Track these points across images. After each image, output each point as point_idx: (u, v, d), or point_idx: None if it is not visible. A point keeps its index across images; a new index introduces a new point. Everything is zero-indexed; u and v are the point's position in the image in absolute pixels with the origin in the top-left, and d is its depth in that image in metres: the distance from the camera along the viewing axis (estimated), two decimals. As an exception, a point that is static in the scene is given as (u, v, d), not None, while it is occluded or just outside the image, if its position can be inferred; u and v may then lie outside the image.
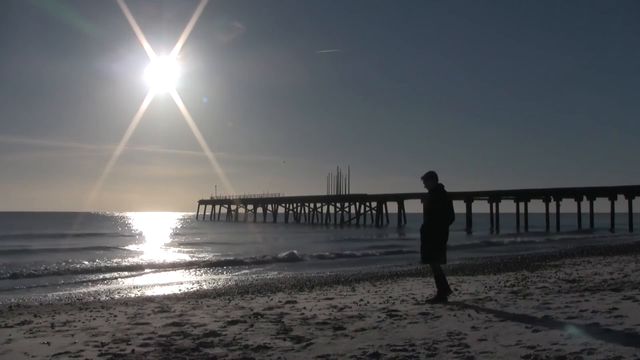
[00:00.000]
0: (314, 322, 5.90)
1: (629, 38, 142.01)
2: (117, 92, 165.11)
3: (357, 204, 73.72)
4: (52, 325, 6.33)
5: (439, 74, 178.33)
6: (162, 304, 8.37)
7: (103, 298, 10.45)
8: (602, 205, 56.22)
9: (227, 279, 14.15)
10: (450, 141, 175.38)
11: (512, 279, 9.87)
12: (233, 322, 6.07)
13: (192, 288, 11.95)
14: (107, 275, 15.62)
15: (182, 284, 13.12)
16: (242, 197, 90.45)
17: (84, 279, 14.69)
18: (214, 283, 13.00)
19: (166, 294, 10.85)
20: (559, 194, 51.81)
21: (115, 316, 7.00)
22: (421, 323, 5.62)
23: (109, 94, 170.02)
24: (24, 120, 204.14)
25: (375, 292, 8.89)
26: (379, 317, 6.12)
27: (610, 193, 48.60)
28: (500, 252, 23.11)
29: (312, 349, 4.63)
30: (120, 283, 13.95)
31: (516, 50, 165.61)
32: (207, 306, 7.73)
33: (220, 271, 16.73)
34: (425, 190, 7.56)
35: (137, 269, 17.34)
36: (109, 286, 13.05)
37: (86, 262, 18.46)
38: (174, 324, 6.06)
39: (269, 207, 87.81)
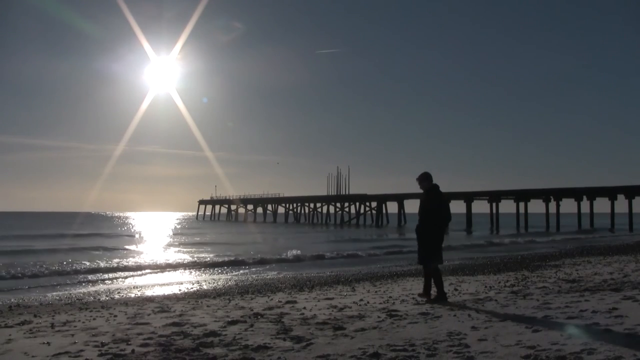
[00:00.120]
0: (314, 322, 5.90)
1: (629, 38, 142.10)
2: (117, 92, 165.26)
3: (357, 204, 73.71)
4: (52, 325, 6.33)
5: (439, 74, 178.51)
6: (162, 304, 8.37)
7: (103, 298, 10.45)
8: (602, 205, 56.33)
9: (227, 279, 14.15)
10: (450, 141, 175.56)
11: (512, 279, 9.87)
12: (233, 322, 6.07)
13: (192, 288, 11.95)
14: (107, 275, 15.62)
15: (182, 284, 13.12)
16: (242, 197, 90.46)
17: (84, 279, 14.68)
18: (214, 283, 13.00)
19: (166, 294, 10.85)
20: (559, 194, 51.80)
21: (115, 316, 7.00)
22: (421, 323, 5.62)
23: (109, 94, 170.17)
24: (24, 120, 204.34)
25: (375, 292, 8.89)
26: (379, 317, 6.12)
27: (610, 193, 48.60)
28: (500, 252, 23.11)
29: (312, 349, 4.63)
30: (120, 283, 13.95)
31: (516, 50, 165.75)
32: (207, 306, 7.73)
33: (220, 271, 16.73)
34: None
35: (137, 269, 17.34)
36: (109, 286, 13.04)
37: (86, 262, 18.45)
38: (174, 324, 6.06)
39: (269, 207, 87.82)
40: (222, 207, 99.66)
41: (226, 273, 16.11)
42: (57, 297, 10.81)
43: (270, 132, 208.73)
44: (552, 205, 51.69)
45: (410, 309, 6.64)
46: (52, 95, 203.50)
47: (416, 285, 9.54)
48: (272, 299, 8.40)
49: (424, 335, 4.97)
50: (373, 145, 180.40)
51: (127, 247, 28.59)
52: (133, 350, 4.74)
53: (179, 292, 11.05)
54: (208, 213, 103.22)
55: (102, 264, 18.10)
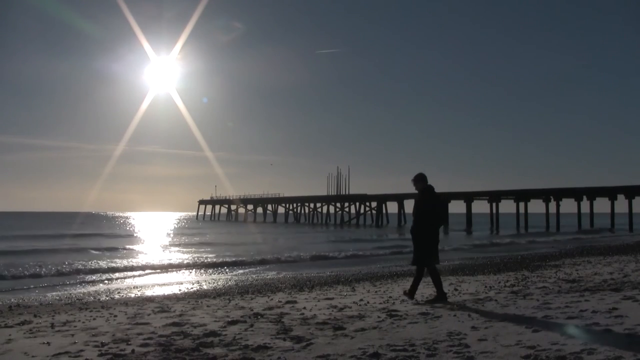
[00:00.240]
0: (314, 322, 5.90)
1: (629, 38, 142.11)
2: (117, 92, 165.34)
3: (357, 204, 73.72)
4: (52, 325, 6.33)
5: (439, 74, 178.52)
6: (162, 304, 8.37)
7: (103, 298, 10.45)
8: (602, 205, 56.31)
9: (227, 279, 14.16)
10: (450, 141, 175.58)
11: (512, 279, 9.87)
12: (233, 322, 6.07)
13: (192, 288, 11.95)
14: (107, 275, 15.62)
15: (182, 284, 13.12)
16: (242, 197, 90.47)
17: (84, 279, 14.68)
18: (214, 283, 13.00)
19: (166, 294, 10.85)
20: (559, 194, 51.80)
21: (115, 316, 7.00)
22: (421, 323, 5.62)
23: (109, 94, 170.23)
24: (24, 120, 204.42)
25: (375, 292, 8.89)
26: (379, 317, 6.11)
27: (610, 193, 48.59)
28: (500, 252, 23.11)
29: (312, 349, 4.63)
30: (120, 283, 13.95)
31: (516, 50, 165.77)
32: (207, 306, 7.73)
33: (220, 271, 16.73)
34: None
35: (137, 269, 17.34)
36: (109, 286, 13.05)
37: (86, 262, 18.46)
38: (174, 324, 6.06)
39: (269, 207, 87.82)
40: (222, 207, 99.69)
41: (226, 273, 16.11)
42: (57, 297, 10.81)
43: (270, 132, 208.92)
44: (552, 205, 51.71)
45: (410, 309, 6.64)
46: (52, 95, 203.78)
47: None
48: (272, 299, 8.40)
49: (424, 335, 4.97)
50: (373, 145, 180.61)
51: (127, 247, 28.59)
52: (133, 350, 4.74)
53: (179, 292, 11.05)
54: (208, 213, 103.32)
55: (102, 264, 18.10)
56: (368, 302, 7.42)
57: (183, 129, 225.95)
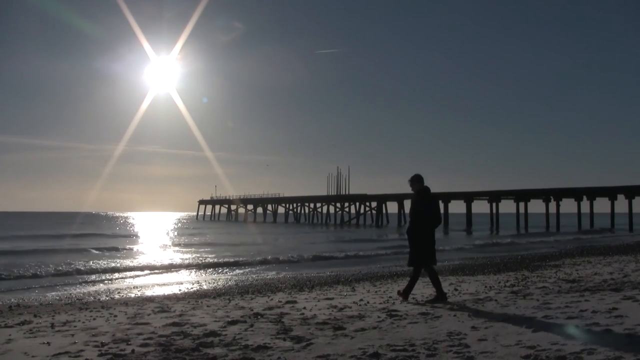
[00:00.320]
0: (314, 322, 5.90)
1: (629, 37, 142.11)
2: (117, 92, 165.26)
3: (357, 204, 73.72)
4: (52, 325, 6.33)
5: (439, 74, 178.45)
6: (162, 304, 8.37)
7: (103, 298, 10.45)
8: (602, 205, 56.32)
9: (227, 279, 14.16)
10: (450, 141, 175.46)
11: (512, 279, 9.87)
12: (233, 322, 6.07)
13: (192, 288, 11.95)
14: (107, 275, 15.62)
15: (182, 284, 13.12)
16: (242, 197, 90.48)
17: (84, 279, 14.68)
18: (214, 283, 13.00)
19: (166, 294, 10.85)
20: (559, 194, 51.81)
21: (115, 316, 7.00)
22: (421, 323, 5.62)
23: (109, 94, 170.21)
24: (24, 120, 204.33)
25: (375, 292, 8.89)
26: (379, 317, 6.11)
27: (610, 193, 48.59)
28: (500, 252, 23.11)
29: (312, 349, 4.63)
30: (120, 283, 13.95)
31: (516, 50, 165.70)
32: (207, 306, 7.73)
33: (220, 271, 16.73)
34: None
35: (137, 269, 17.34)
36: (109, 286, 13.04)
37: (86, 262, 18.46)
38: (174, 324, 6.06)
39: (269, 207, 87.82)
40: (222, 207, 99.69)
41: (226, 273, 16.11)
42: (57, 297, 10.81)
43: (270, 132, 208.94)
44: (552, 205, 51.74)
45: (410, 309, 6.64)
46: (52, 95, 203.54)
47: (416, 285, 9.52)
48: (272, 299, 8.40)
49: (424, 335, 4.97)
50: (373, 145, 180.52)
51: (127, 247, 28.59)
52: (133, 350, 4.74)
53: (179, 292, 11.05)
54: (208, 213, 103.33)
55: (102, 264, 18.10)
56: (368, 302, 7.42)
57: (183, 129, 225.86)
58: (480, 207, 57.50)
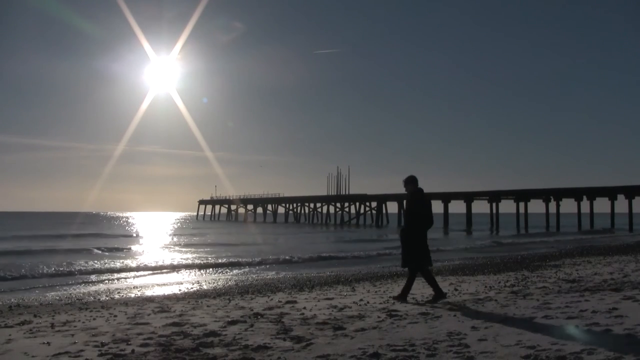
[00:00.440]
0: (314, 322, 5.90)
1: (629, 37, 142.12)
2: (117, 92, 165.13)
3: (357, 204, 73.72)
4: (52, 325, 6.33)
5: (439, 74, 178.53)
6: (162, 304, 8.37)
7: (103, 298, 10.45)
8: (602, 205, 56.33)
9: (227, 279, 14.15)
10: (450, 141, 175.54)
11: (512, 279, 9.87)
12: (233, 322, 6.07)
13: (192, 288, 11.95)
14: (107, 276, 15.62)
15: (182, 284, 13.12)
16: (242, 197, 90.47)
17: (84, 279, 14.68)
18: (214, 283, 13.00)
19: (166, 294, 10.85)
20: (559, 194, 51.82)
21: (115, 316, 6.99)
22: (421, 323, 5.61)
23: (109, 94, 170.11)
24: (24, 120, 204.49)
25: (375, 292, 8.89)
26: (379, 317, 6.11)
27: (610, 193, 48.60)
28: (500, 252, 23.11)
29: (312, 349, 4.63)
30: (120, 283, 13.95)
31: (516, 49, 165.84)
32: (207, 306, 7.73)
33: (220, 271, 16.73)
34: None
35: (136, 269, 17.34)
36: (109, 286, 13.04)
37: (86, 262, 18.46)
38: (174, 324, 6.06)
39: (269, 207, 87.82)
40: (222, 207, 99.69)
41: (226, 273, 16.11)
42: (57, 297, 10.81)
43: (270, 132, 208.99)
44: (552, 205, 51.76)
45: (410, 309, 6.64)
46: (52, 95, 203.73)
47: (416, 285, 9.52)
48: (272, 299, 8.39)
49: (424, 335, 4.97)
50: (373, 145, 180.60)
51: (127, 247, 28.59)
52: (133, 350, 4.74)
53: (179, 292, 11.05)
54: (208, 213, 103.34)
55: (102, 264, 18.10)
56: (368, 302, 7.42)
57: (183, 129, 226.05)
58: (480, 207, 57.61)
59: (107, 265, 17.82)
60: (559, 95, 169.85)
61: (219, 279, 14.02)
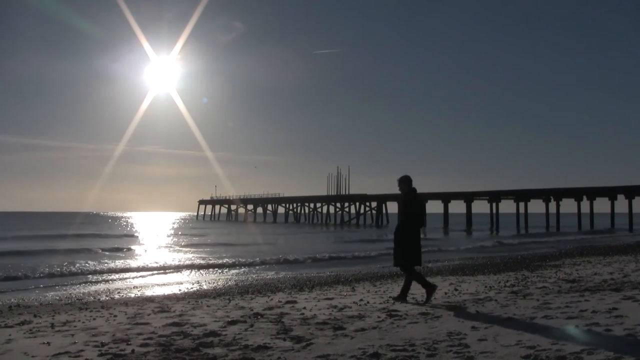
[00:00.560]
0: (314, 322, 5.90)
1: (629, 37, 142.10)
2: (117, 92, 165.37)
3: (357, 204, 73.72)
4: (52, 325, 6.33)
5: (439, 74, 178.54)
6: (162, 304, 8.37)
7: (103, 298, 10.45)
8: (602, 205, 56.33)
9: (227, 279, 14.15)
10: (450, 141, 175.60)
11: (512, 279, 9.87)
12: (233, 322, 6.07)
13: (192, 288, 11.95)
14: (107, 276, 15.63)
15: (182, 284, 13.12)
16: (242, 197, 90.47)
17: (84, 279, 14.68)
18: (214, 283, 13.00)
19: (166, 294, 10.85)
20: (559, 194, 51.84)
21: (115, 316, 6.99)
22: (421, 323, 5.61)
23: (109, 94, 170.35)
24: (24, 120, 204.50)
25: (375, 292, 8.89)
26: (379, 317, 6.11)
27: (610, 193, 48.62)
28: (501, 252, 23.12)
29: (312, 349, 4.63)
30: (120, 283, 13.95)
31: (516, 49, 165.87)
32: (207, 306, 7.72)
33: (220, 271, 16.74)
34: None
35: (136, 269, 17.34)
36: (109, 286, 13.04)
37: (86, 262, 18.46)
38: (174, 324, 6.06)
39: (269, 207, 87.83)
40: (222, 207, 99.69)
41: (226, 273, 16.12)
42: (57, 297, 10.81)
43: (271, 132, 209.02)
44: (552, 205, 51.77)
45: (410, 309, 6.64)
46: (52, 95, 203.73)
47: (416, 285, 9.51)
48: (272, 299, 8.39)
49: (424, 335, 4.97)
50: (373, 145, 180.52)
51: (127, 247, 28.58)
52: (133, 350, 4.74)
53: (179, 292, 11.05)
54: (208, 213, 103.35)
55: (102, 264, 18.10)
56: (368, 302, 7.42)
57: (183, 129, 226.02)
58: (480, 207, 57.63)
59: (107, 265, 17.82)
60: (559, 95, 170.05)
61: (218, 279, 14.02)
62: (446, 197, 58.58)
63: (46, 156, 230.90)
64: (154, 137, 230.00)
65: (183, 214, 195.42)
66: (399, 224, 7.48)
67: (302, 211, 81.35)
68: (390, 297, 7.90)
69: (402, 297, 7.46)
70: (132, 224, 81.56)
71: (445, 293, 8.14)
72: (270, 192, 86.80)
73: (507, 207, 56.35)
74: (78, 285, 13.35)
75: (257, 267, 17.84)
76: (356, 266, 17.28)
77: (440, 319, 5.82)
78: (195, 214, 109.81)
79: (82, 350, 4.81)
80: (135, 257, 22.36)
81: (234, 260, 19.82)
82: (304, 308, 7.09)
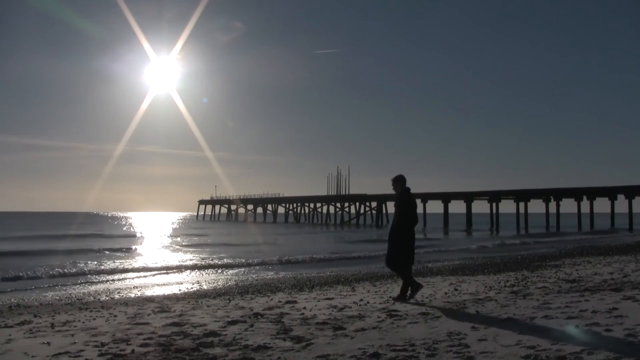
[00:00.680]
0: (314, 322, 5.90)
1: (629, 37, 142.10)
2: (117, 92, 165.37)
3: (357, 204, 73.71)
4: (52, 325, 6.33)
5: (439, 74, 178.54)
6: (162, 304, 8.37)
7: (103, 298, 10.45)
8: (602, 205, 56.35)
9: (227, 279, 14.15)
10: (450, 141, 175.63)
11: (512, 279, 9.87)
12: (233, 322, 6.07)
13: (192, 288, 11.95)
14: (107, 276, 15.62)
15: (182, 284, 13.12)
16: (242, 197, 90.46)
17: (84, 279, 14.68)
18: (214, 283, 13.00)
19: (166, 294, 10.85)
20: (559, 194, 51.83)
21: (115, 316, 6.99)
22: (421, 323, 5.61)
23: (109, 94, 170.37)
24: (24, 120, 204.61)
25: (375, 292, 8.89)
26: (379, 317, 6.11)
27: (610, 193, 48.62)
28: (501, 252, 23.12)
29: (312, 349, 4.63)
30: (120, 283, 13.95)
31: (516, 49, 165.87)
32: (207, 306, 7.72)
33: (220, 271, 16.73)
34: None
35: (136, 269, 17.33)
36: (109, 286, 13.04)
37: (86, 263, 18.46)
38: (174, 324, 6.05)
39: (269, 207, 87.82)
40: (222, 207, 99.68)
41: (226, 273, 16.11)
42: (57, 297, 10.81)
43: (271, 132, 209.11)
44: (552, 205, 51.76)
45: (410, 309, 6.64)
46: (51, 95, 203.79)
47: (416, 285, 9.54)
48: (272, 299, 8.39)
49: (424, 335, 4.97)
50: (373, 145, 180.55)
51: (126, 247, 28.58)
52: (133, 350, 4.74)
53: (179, 292, 11.05)
54: (208, 213, 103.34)
55: (102, 265, 18.10)
56: (368, 302, 7.42)
57: (183, 129, 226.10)
58: (480, 207, 57.63)
59: (106, 265, 17.82)
60: (558, 95, 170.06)
61: (218, 279, 14.02)
62: (446, 197, 58.57)
63: (46, 156, 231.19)
64: (154, 137, 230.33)
65: (183, 214, 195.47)
66: (393, 225, 7.51)
67: (302, 211, 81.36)
68: (390, 297, 7.90)
69: (402, 297, 7.47)
70: (132, 224, 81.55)
71: (445, 293, 8.14)
72: (270, 192, 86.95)
73: (507, 207, 56.43)
74: (78, 285, 13.35)
75: (257, 267, 17.83)
76: (356, 266, 17.28)
77: (440, 319, 5.82)
78: (195, 214, 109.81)
79: (82, 350, 4.81)
80: (135, 257, 22.36)
81: (233, 260, 19.82)
82: (304, 308, 7.09)
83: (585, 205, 50.33)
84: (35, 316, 7.45)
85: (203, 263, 18.95)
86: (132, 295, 10.91)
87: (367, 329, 5.40)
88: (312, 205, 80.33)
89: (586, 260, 14.47)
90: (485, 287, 8.78)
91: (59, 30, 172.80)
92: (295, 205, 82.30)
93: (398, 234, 7.37)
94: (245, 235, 42.62)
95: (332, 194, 79.92)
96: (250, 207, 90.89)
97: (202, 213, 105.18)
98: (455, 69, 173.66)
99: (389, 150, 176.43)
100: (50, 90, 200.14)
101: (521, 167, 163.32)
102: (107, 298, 10.43)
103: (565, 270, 11.34)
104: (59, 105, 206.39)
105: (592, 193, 49.69)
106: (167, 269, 17.42)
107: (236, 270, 16.84)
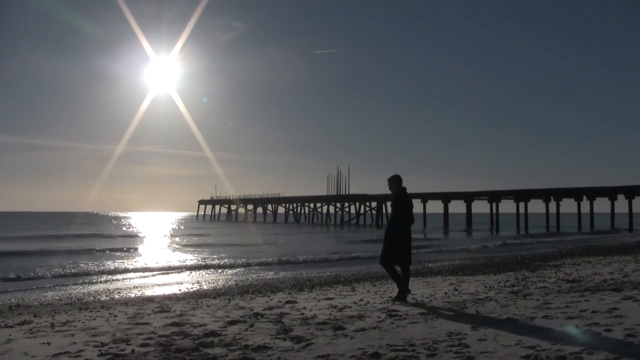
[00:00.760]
0: (314, 322, 5.90)
1: (629, 37, 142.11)
2: (117, 92, 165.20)
3: (357, 204, 73.72)
4: (52, 325, 6.33)
5: (439, 74, 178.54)
6: (162, 304, 8.37)
7: (103, 298, 10.45)
8: (602, 205, 56.38)
9: (227, 279, 14.16)
10: (450, 141, 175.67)
11: (512, 279, 9.87)
12: (233, 322, 6.07)
13: (192, 288, 11.95)
14: (107, 276, 15.63)
15: (182, 284, 13.12)
16: (242, 197, 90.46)
17: (84, 279, 14.69)
18: (214, 283, 13.00)
19: (166, 294, 10.85)
20: (559, 194, 51.83)
21: (115, 316, 6.99)
22: (421, 323, 5.61)
23: (109, 94, 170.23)
24: (23, 120, 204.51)
25: (375, 292, 8.89)
26: (379, 317, 6.11)
27: (610, 193, 48.60)
28: (501, 252, 23.12)
29: (312, 349, 4.63)
30: (120, 283, 13.95)
31: (516, 49, 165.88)
32: (207, 306, 7.73)
33: (220, 271, 16.74)
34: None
35: (136, 269, 17.34)
36: (109, 286, 13.05)
37: (86, 263, 18.46)
38: (174, 324, 6.05)
39: (269, 207, 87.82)
40: (222, 207, 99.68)
41: (226, 273, 16.12)
42: (57, 297, 10.81)
43: (271, 132, 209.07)
44: (552, 205, 51.76)
45: (410, 309, 6.64)
46: (51, 95, 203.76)
47: (416, 285, 9.54)
48: (272, 299, 8.39)
49: (424, 335, 4.97)
50: (373, 145, 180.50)
51: (126, 247, 28.59)
52: (133, 350, 4.74)
53: (179, 292, 11.05)
54: (208, 213, 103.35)
55: (102, 265, 18.10)
56: (368, 302, 7.42)
57: (183, 129, 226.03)
58: (480, 207, 57.64)
59: (106, 266, 17.82)
60: (558, 95, 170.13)
61: (218, 279, 14.02)
62: (446, 197, 58.58)
63: (46, 156, 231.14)
64: (154, 137, 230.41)
65: (183, 214, 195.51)
66: (389, 224, 7.52)
67: (302, 211, 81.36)
68: (390, 297, 7.90)
69: (399, 298, 7.46)
70: (132, 224, 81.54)
71: (445, 293, 8.14)
72: (270, 192, 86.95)
73: (507, 207, 56.44)
74: (78, 285, 13.35)
75: (257, 267, 17.84)
76: (356, 266, 17.27)
77: (440, 319, 5.82)
78: (195, 214, 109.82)
79: (82, 350, 4.81)
80: (135, 257, 22.36)
81: (234, 260, 19.82)
82: (304, 308, 7.09)
83: (585, 205, 50.39)
84: (35, 316, 7.45)
85: (203, 263, 18.95)
86: (132, 295, 10.92)
87: (367, 329, 5.40)
88: (312, 205, 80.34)
89: (586, 260, 14.47)
90: (485, 287, 8.78)
91: (59, 30, 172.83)
92: (295, 205, 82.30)
93: (393, 233, 7.38)
94: (245, 235, 42.62)
95: (332, 194, 79.94)
96: (250, 207, 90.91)
97: (202, 213, 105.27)
98: (455, 69, 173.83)
99: (389, 150, 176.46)
100: (50, 90, 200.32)
101: (521, 167, 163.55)
102: (107, 298, 10.43)
103: (565, 270, 11.34)
104: (59, 105, 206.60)
105: (592, 193, 49.68)
106: (167, 269, 17.42)
107: (236, 270, 16.85)
